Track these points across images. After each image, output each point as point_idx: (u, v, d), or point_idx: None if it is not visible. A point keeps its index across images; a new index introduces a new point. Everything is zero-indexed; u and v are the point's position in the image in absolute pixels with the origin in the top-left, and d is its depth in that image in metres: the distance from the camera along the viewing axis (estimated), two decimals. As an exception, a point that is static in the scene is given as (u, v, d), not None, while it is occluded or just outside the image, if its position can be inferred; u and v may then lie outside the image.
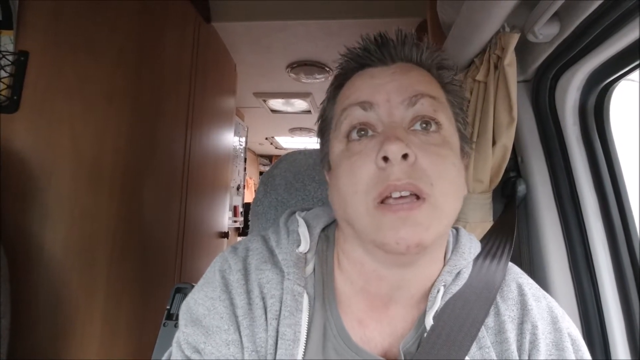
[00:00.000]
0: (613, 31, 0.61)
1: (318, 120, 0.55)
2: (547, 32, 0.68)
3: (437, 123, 0.45)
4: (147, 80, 1.37)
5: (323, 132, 0.54)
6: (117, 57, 1.25)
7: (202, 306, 0.49)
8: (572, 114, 0.74)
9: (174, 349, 0.49)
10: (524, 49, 0.78)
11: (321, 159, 0.55)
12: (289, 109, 3.06)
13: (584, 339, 0.48)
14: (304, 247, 0.51)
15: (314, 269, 0.51)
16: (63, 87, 1.11)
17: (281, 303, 0.47)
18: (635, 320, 0.64)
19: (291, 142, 4.42)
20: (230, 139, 2.26)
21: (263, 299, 0.48)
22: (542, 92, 0.79)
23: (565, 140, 0.76)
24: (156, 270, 1.44)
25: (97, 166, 1.18)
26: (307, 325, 0.46)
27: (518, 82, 0.81)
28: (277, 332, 0.46)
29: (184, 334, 0.48)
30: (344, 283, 0.51)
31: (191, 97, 1.66)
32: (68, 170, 1.11)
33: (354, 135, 0.46)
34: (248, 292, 0.48)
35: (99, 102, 1.19)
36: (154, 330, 0.81)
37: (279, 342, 0.45)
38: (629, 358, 0.65)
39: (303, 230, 0.53)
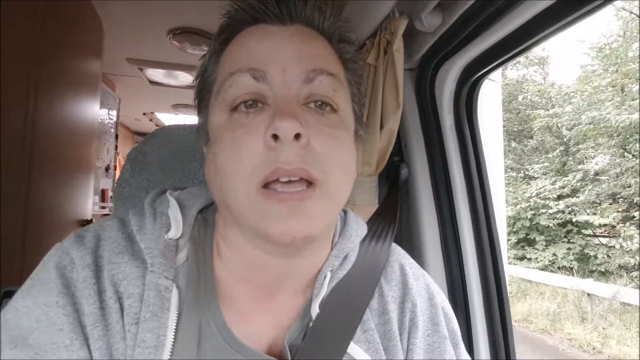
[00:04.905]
0: (485, 28, 0.67)
1: (196, 79, 0.47)
2: (431, 22, 0.71)
3: (335, 105, 0.42)
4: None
5: (202, 95, 0.46)
6: None
7: (27, 317, 0.37)
8: (448, 104, 0.81)
9: None
10: (411, 38, 0.82)
11: (197, 127, 0.47)
12: (172, 82, 2.75)
13: (450, 304, 0.53)
14: (174, 232, 0.44)
15: (188, 258, 0.44)
16: None
17: (142, 303, 0.39)
18: (491, 290, 0.75)
19: (175, 120, 4.03)
20: (95, 111, 1.92)
21: (119, 299, 0.40)
22: (424, 81, 0.84)
23: (442, 128, 0.82)
24: (-17, 270, 1.13)
25: None
26: (175, 325, 0.40)
27: (404, 69, 0.84)
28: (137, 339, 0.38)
29: None
30: (224, 272, 0.45)
31: (36, 50, 1.32)
32: None
33: (241, 107, 0.40)
34: (100, 294, 0.39)
35: None
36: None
37: (136, 350, 0.37)
38: (484, 320, 0.76)
39: (174, 212, 0.45)
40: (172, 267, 0.42)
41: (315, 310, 0.44)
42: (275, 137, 0.37)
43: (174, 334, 0.39)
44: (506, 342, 0.72)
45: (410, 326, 0.48)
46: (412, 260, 0.56)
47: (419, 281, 0.52)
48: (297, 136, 0.37)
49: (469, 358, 0.51)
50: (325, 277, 0.46)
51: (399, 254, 0.56)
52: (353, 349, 0.44)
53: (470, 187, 0.79)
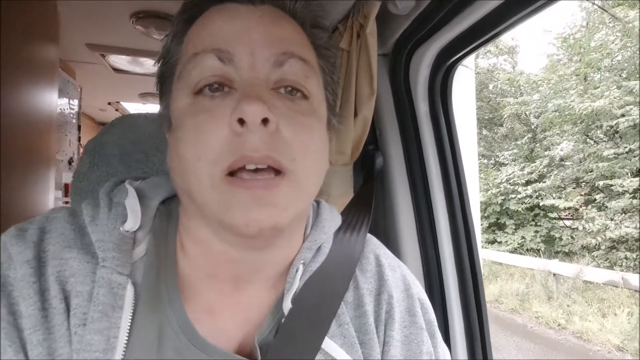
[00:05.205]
0: (458, 11, 0.65)
1: (158, 62, 0.44)
2: (404, 4, 0.69)
3: (306, 91, 0.39)
4: None
5: (164, 79, 0.43)
6: None
7: None
8: (422, 90, 0.79)
9: None
10: (385, 21, 0.79)
11: (159, 113, 0.44)
12: (138, 70, 2.61)
13: (427, 294, 0.52)
14: (132, 223, 0.41)
15: (147, 252, 0.41)
16: None
17: (91, 302, 0.36)
18: (466, 279, 0.75)
19: (143, 110, 3.84)
20: (53, 100, 1.80)
21: (65, 299, 0.36)
22: (398, 67, 0.82)
23: (417, 115, 0.81)
24: None
25: None
26: (129, 325, 0.36)
27: (378, 55, 0.82)
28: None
29: None
30: (188, 267, 0.42)
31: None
32: None
33: (205, 90, 0.38)
34: (42, 293, 0.36)
35: None
36: None
37: (82, 354, 0.34)
38: (460, 310, 0.76)
39: (132, 202, 0.42)
40: (127, 262, 0.39)
41: (287, 305, 0.42)
42: (241, 121, 0.34)
43: (127, 334, 0.36)
44: (482, 330, 0.73)
45: (387, 318, 0.47)
46: (387, 251, 0.55)
47: (395, 272, 0.51)
48: (265, 121, 0.34)
49: (446, 347, 0.51)
50: (297, 270, 0.44)
51: (374, 244, 0.54)
52: (328, 344, 0.42)
53: (445, 175, 0.79)
